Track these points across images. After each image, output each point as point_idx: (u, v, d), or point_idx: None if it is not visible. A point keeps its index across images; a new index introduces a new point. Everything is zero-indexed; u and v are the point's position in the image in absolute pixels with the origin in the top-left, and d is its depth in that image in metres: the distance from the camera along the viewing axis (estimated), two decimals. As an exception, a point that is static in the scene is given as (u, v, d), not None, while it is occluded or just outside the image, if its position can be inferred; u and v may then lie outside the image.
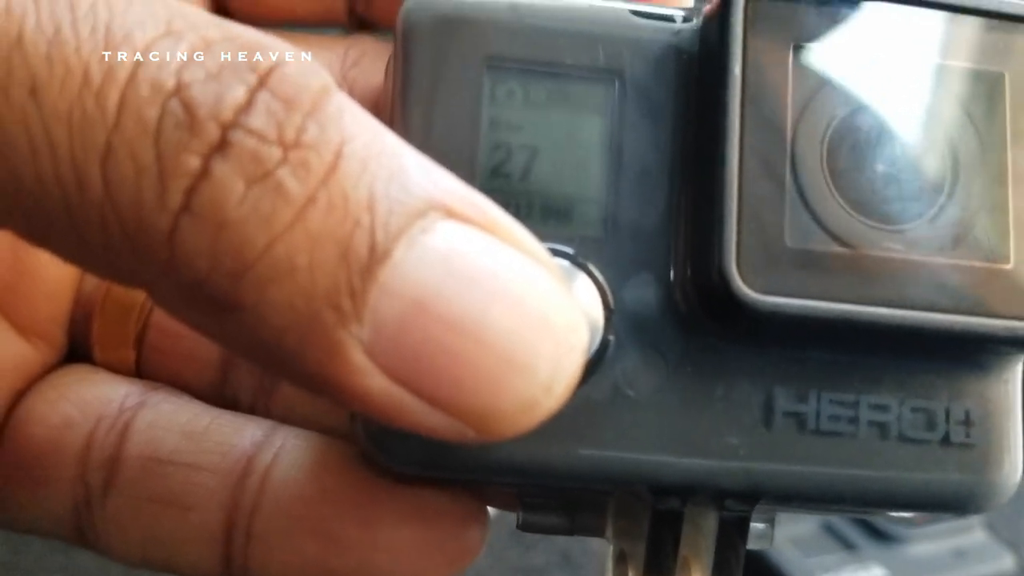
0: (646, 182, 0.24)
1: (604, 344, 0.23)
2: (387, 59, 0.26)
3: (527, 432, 0.20)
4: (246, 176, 0.18)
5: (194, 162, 0.18)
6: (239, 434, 0.27)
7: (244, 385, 0.29)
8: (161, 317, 0.29)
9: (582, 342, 0.20)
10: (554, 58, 0.24)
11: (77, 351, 0.29)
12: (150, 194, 0.18)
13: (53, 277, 0.28)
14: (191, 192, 0.18)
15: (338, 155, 0.18)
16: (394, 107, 0.24)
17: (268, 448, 0.26)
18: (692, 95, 0.24)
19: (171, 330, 0.29)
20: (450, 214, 0.19)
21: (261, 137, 0.18)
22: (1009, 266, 0.23)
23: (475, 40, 0.24)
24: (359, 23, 0.31)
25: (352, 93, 0.28)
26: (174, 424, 0.27)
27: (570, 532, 0.27)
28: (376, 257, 0.18)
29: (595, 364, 0.23)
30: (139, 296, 0.29)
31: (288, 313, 0.18)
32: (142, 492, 0.27)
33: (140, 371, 0.29)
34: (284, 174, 0.18)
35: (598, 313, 0.23)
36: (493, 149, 0.23)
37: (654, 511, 0.25)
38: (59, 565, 0.68)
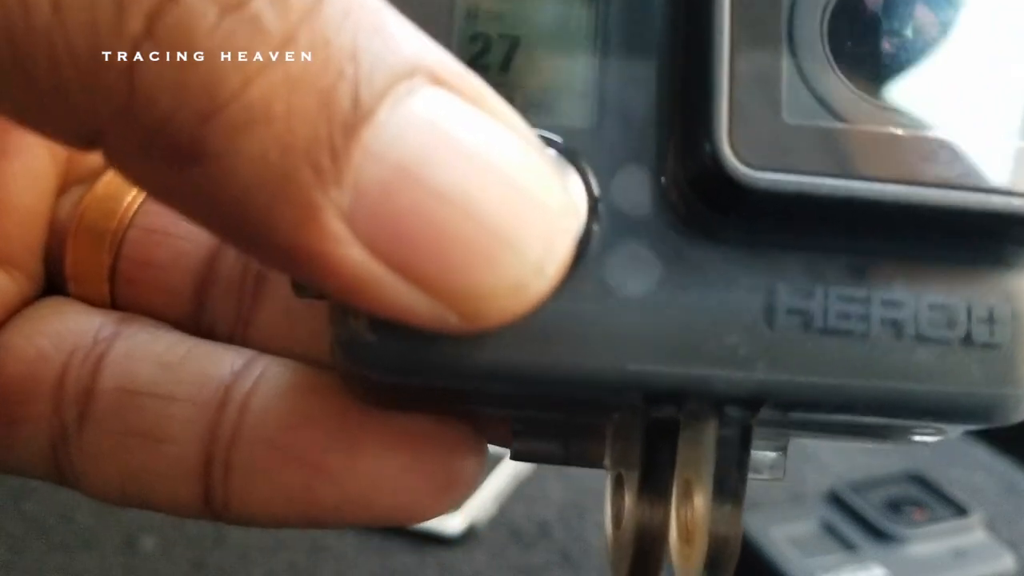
0: (635, 70, 0.23)
1: (588, 232, 0.22)
2: None
3: (505, 329, 0.18)
4: (219, 2, 0.16)
5: None
6: (217, 363, 0.26)
7: (220, 317, 0.28)
8: (133, 248, 0.28)
9: (574, 226, 0.19)
10: None
11: (54, 283, 0.29)
12: (106, 16, 0.16)
13: (26, 204, 0.27)
14: (155, 15, 0.16)
15: None
16: None
17: (247, 377, 0.26)
18: None
19: (144, 260, 0.28)
20: (436, 80, 0.18)
21: None
22: None
23: None
24: None
25: None
26: (149, 355, 0.26)
27: (565, 461, 0.26)
28: (360, 114, 0.17)
29: (580, 254, 0.21)
30: (110, 224, 0.28)
31: (260, 166, 0.17)
32: (117, 425, 0.26)
33: (115, 303, 0.28)
34: (261, 4, 0.16)
35: (582, 200, 0.21)
36: (470, 41, 0.22)
37: (648, 424, 0.23)
38: (59, 565, 0.68)
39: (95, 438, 0.26)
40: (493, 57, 0.22)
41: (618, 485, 0.25)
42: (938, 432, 0.25)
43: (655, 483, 0.24)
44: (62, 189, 0.29)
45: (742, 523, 0.24)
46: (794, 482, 0.83)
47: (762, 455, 0.26)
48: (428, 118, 0.18)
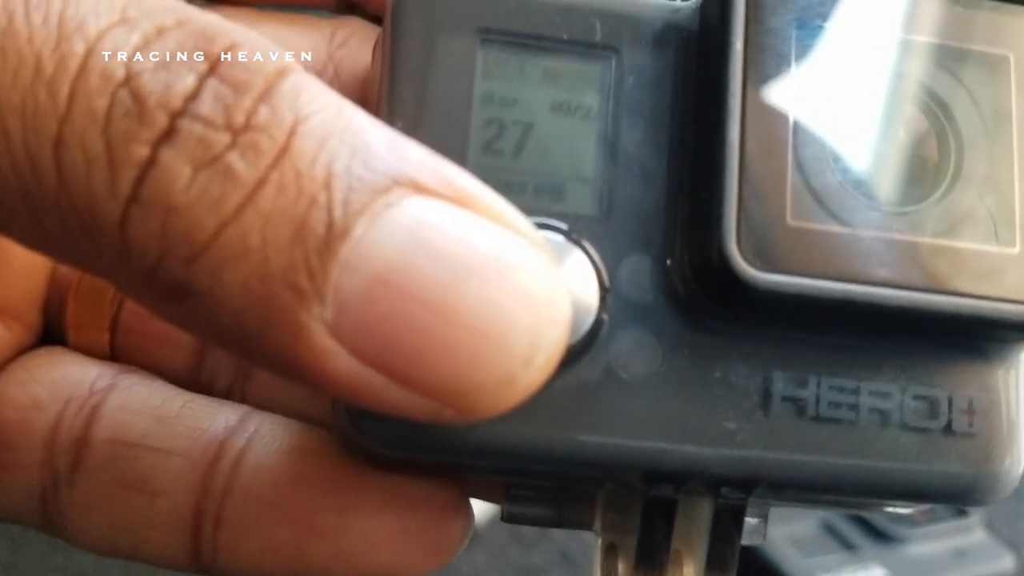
0: (643, 162, 0.23)
1: (598, 323, 0.22)
2: (375, 40, 0.26)
3: (511, 410, 0.19)
4: (193, 161, 0.18)
5: (142, 151, 0.18)
6: (212, 418, 0.26)
7: (220, 370, 0.28)
8: None
9: (563, 315, 0.19)
10: (550, 33, 0.23)
11: (52, 333, 0.29)
12: (100, 184, 0.18)
13: (27, 257, 0.28)
14: (139, 181, 0.18)
15: (291, 134, 0.18)
16: (382, 81, 0.23)
17: (241, 433, 0.26)
18: (691, 73, 0.23)
19: (146, 313, 0.29)
20: (418, 189, 0.19)
21: (208, 123, 0.18)
22: (1015, 250, 0.23)
23: (469, 12, 0.23)
24: (347, 5, 0.30)
25: (339, 74, 0.28)
26: (145, 407, 0.26)
27: (557, 524, 0.26)
28: (334, 234, 0.18)
29: (588, 344, 0.22)
30: None
31: (245, 295, 0.18)
32: (110, 476, 0.26)
33: (115, 354, 0.29)
34: (233, 158, 0.18)
35: (593, 291, 0.22)
36: (485, 125, 0.23)
37: (646, 500, 0.24)
38: (59, 565, 0.68)
39: (87, 488, 0.26)
40: (507, 142, 0.23)
41: (609, 553, 0.26)
42: (913, 508, 0.26)
43: (651, 557, 0.24)
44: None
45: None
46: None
47: (745, 521, 0.26)
48: (406, 226, 0.18)
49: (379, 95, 0.23)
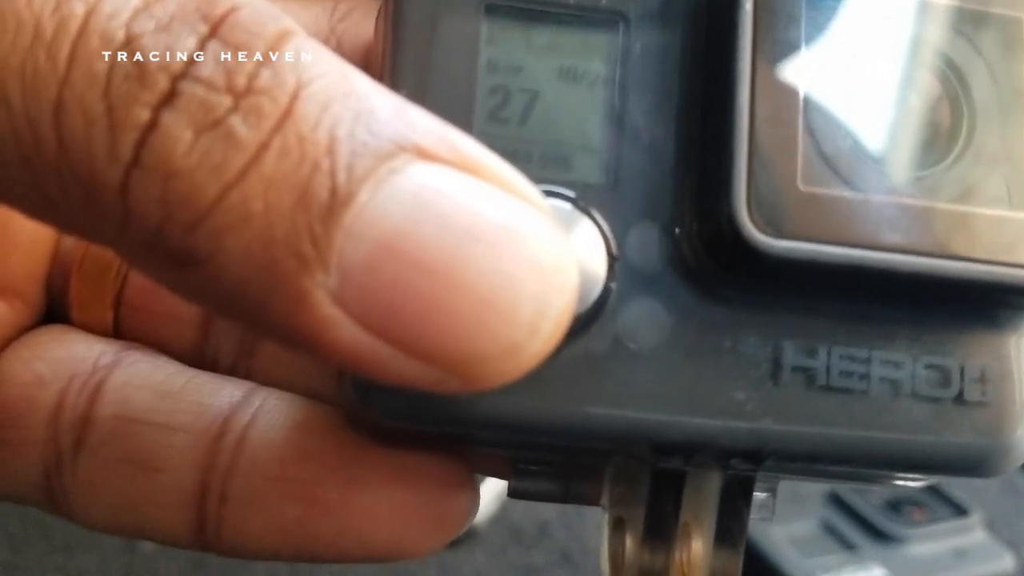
0: (652, 130, 0.23)
1: (606, 292, 0.22)
2: (376, 13, 0.25)
3: (517, 381, 0.19)
4: (194, 125, 0.18)
5: (143, 114, 0.18)
6: (216, 394, 0.26)
7: (225, 346, 0.28)
8: (139, 276, 0.28)
9: (571, 283, 0.19)
10: None
11: (55, 311, 0.29)
12: (101, 148, 0.18)
13: (29, 234, 0.28)
14: (140, 145, 0.18)
15: (294, 98, 0.18)
16: (384, 51, 0.23)
17: (246, 408, 0.26)
18: (701, 39, 0.23)
19: (149, 289, 0.28)
20: (423, 155, 0.18)
21: (210, 85, 0.18)
22: None
23: None
24: None
25: (341, 47, 0.27)
26: (148, 383, 0.26)
27: (564, 499, 0.26)
28: (338, 200, 0.18)
29: (596, 313, 0.22)
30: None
31: (248, 262, 0.18)
32: (113, 453, 0.26)
33: (119, 331, 0.29)
34: (235, 121, 0.18)
35: (601, 260, 0.22)
36: (491, 92, 0.23)
37: (654, 472, 0.24)
38: (59, 565, 0.68)
39: (90, 465, 0.26)
40: (512, 110, 0.23)
41: (617, 527, 0.25)
42: (924, 480, 0.26)
43: (659, 531, 0.24)
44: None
45: (740, 569, 0.24)
46: (794, 482, 0.83)
47: (753, 495, 0.26)
48: (411, 193, 0.18)
49: (382, 65, 0.23)
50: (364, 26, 0.28)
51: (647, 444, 0.23)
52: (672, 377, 0.22)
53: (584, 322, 0.22)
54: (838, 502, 0.78)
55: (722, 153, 0.22)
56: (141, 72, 0.18)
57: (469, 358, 0.18)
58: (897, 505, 0.79)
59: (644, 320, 0.23)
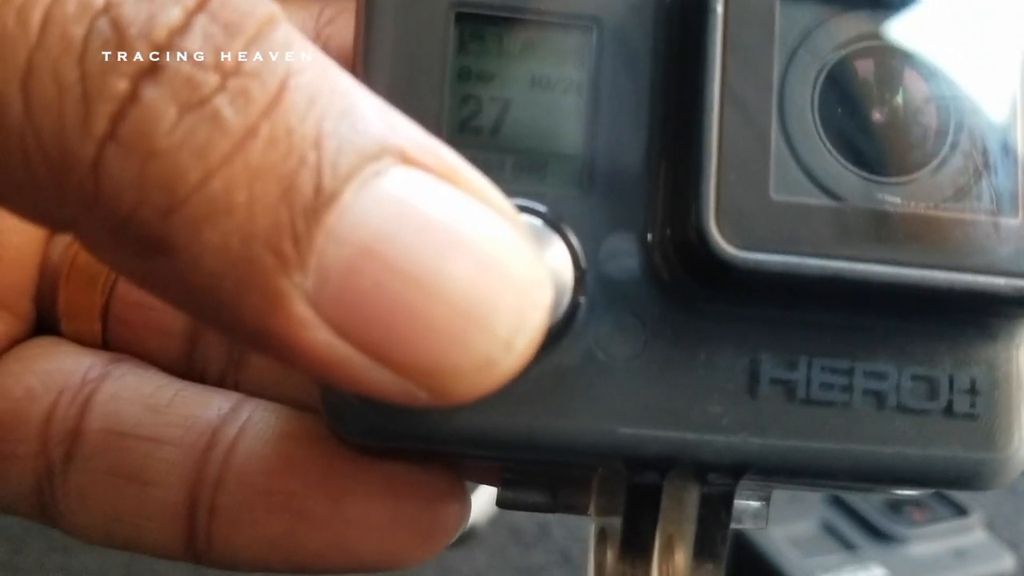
0: (625, 137, 0.22)
1: (574, 306, 0.22)
2: None
3: (487, 396, 0.18)
4: (179, 102, 0.17)
5: (122, 84, 0.17)
6: (204, 406, 0.26)
7: (212, 358, 0.28)
8: (126, 288, 0.28)
9: (546, 299, 0.19)
10: (527, 4, 0.22)
11: (46, 322, 0.29)
12: (73, 118, 0.17)
13: (16, 246, 0.28)
14: (118, 117, 0.17)
15: (283, 86, 0.17)
16: (355, 56, 0.22)
17: (234, 421, 0.26)
18: (673, 43, 0.22)
19: (136, 301, 0.28)
20: (406, 160, 0.18)
21: (197, 62, 0.17)
22: (1017, 220, 0.22)
23: None
24: None
25: (326, 51, 0.27)
26: (137, 396, 0.26)
27: (552, 509, 0.26)
28: (323, 198, 0.17)
29: (565, 327, 0.22)
30: (104, 266, 0.28)
31: (224, 256, 0.17)
32: (103, 466, 0.26)
33: (108, 342, 0.28)
34: (222, 102, 0.17)
35: (568, 273, 0.22)
36: (462, 101, 0.22)
37: (631, 486, 0.23)
38: (59, 565, 0.68)
39: (80, 478, 0.26)
40: (484, 119, 0.22)
41: (601, 538, 0.25)
42: (917, 491, 0.25)
43: (636, 544, 0.24)
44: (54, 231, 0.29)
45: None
46: (794, 482, 0.82)
47: (745, 504, 0.26)
48: (394, 198, 0.18)
49: (354, 74, 0.22)
50: (350, 30, 0.27)
51: (619, 458, 0.22)
52: (646, 390, 0.22)
53: (554, 336, 0.22)
54: (838, 502, 0.78)
55: (691, 161, 0.21)
56: (121, 39, 0.17)
57: (441, 371, 0.18)
58: (897, 505, 0.78)
59: (617, 332, 0.22)
